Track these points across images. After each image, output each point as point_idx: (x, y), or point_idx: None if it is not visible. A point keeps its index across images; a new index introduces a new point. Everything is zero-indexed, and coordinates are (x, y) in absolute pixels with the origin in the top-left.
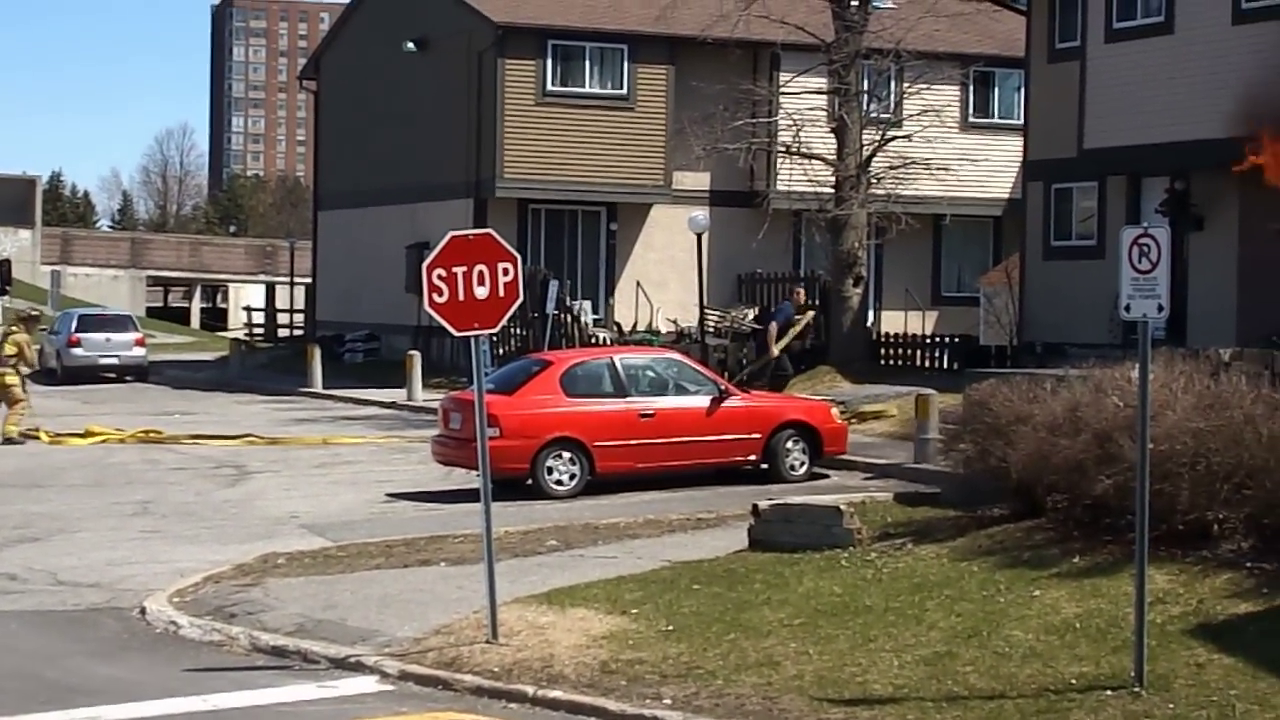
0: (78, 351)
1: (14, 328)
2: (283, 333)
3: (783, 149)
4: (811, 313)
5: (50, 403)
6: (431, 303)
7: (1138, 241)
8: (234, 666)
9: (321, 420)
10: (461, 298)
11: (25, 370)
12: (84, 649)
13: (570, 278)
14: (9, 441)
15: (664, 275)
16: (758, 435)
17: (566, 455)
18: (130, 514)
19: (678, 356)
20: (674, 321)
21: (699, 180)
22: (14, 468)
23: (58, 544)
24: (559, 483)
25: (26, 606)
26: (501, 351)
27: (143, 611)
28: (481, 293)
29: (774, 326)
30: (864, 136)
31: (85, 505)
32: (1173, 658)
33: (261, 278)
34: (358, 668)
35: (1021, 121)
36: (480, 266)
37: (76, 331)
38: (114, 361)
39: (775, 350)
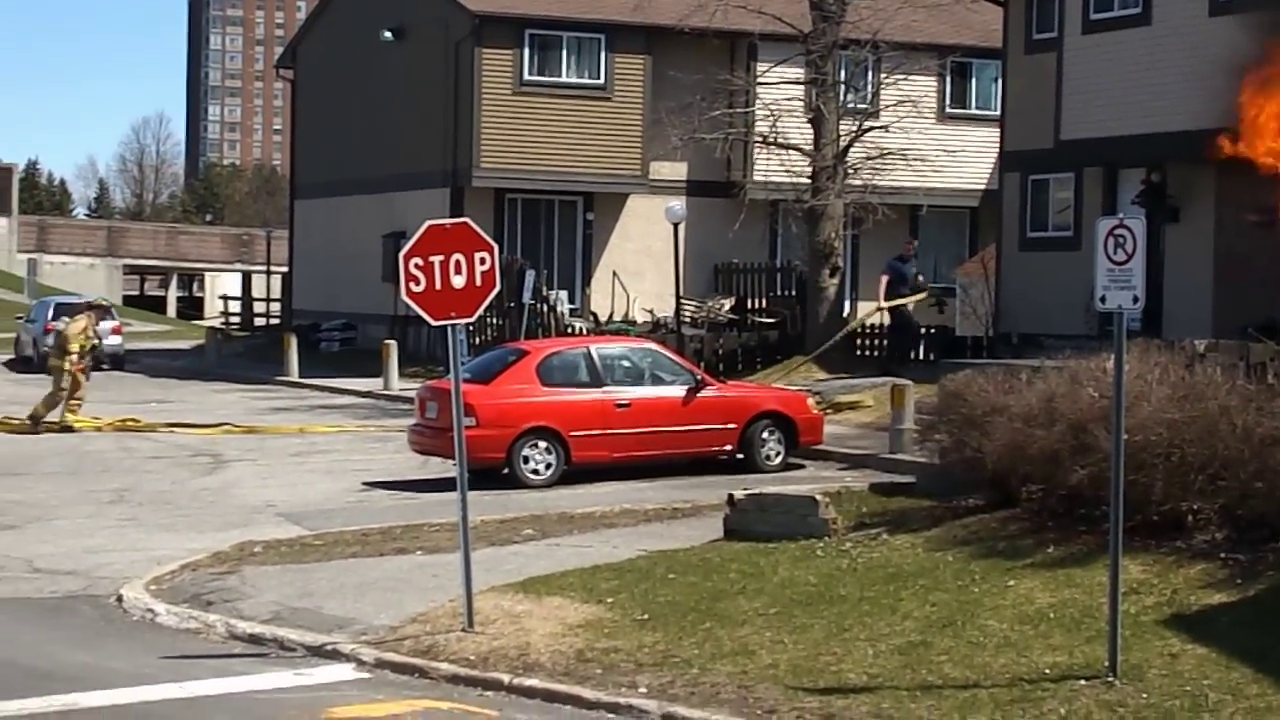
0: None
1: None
2: (259, 322)
3: (760, 139)
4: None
5: (28, 390)
6: (409, 291)
7: (1113, 232)
8: (211, 654)
9: (298, 409)
10: (438, 287)
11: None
12: (61, 636)
13: (547, 267)
14: (66, 429)
15: (640, 265)
16: (733, 425)
17: (542, 444)
18: (107, 502)
19: (654, 346)
20: (650, 311)
21: (676, 170)
22: None
23: (34, 532)
24: (535, 472)
25: (3, 594)
26: (478, 341)
27: (119, 599)
28: (458, 282)
29: (883, 280)
30: (841, 127)
31: (62, 493)
32: (1146, 648)
33: (238, 266)
34: (334, 655)
35: (998, 112)
36: (457, 255)
37: (53, 320)
38: None
39: (884, 305)
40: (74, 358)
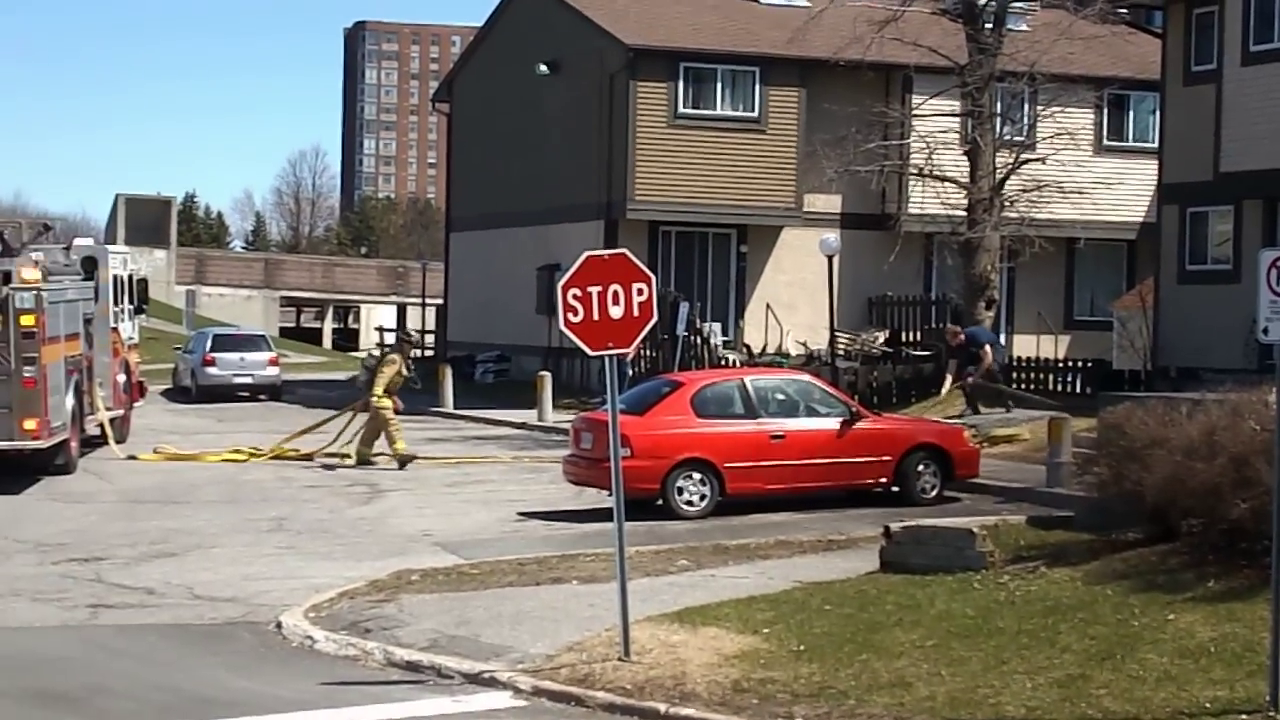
0: (212, 370)
1: (391, 352)
2: (414, 353)
3: (915, 171)
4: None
5: (187, 420)
6: (567, 322)
7: (1276, 264)
8: (369, 681)
9: (453, 440)
10: (596, 317)
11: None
12: (221, 662)
13: (700, 300)
14: (403, 464)
15: (794, 298)
16: (889, 458)
17: (697, 476)
18: (265, 530)
19: (808, 378)
20: (803, 344)
21: (830, 203)
22: (151, 484)
23: (194, 559)
24: (689, 503)
25: (164, 620)
26: (631, 373)
27: (279, 626)
28: (616, 312)
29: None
30: (997, 159)
31: (221, 521)
32: None
33: (393, 298)
34: (491, 683)
35: (1156, 144)
36: (615, 286)
37: (211, 351)
38: (248, 380)
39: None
40: (379, 397)
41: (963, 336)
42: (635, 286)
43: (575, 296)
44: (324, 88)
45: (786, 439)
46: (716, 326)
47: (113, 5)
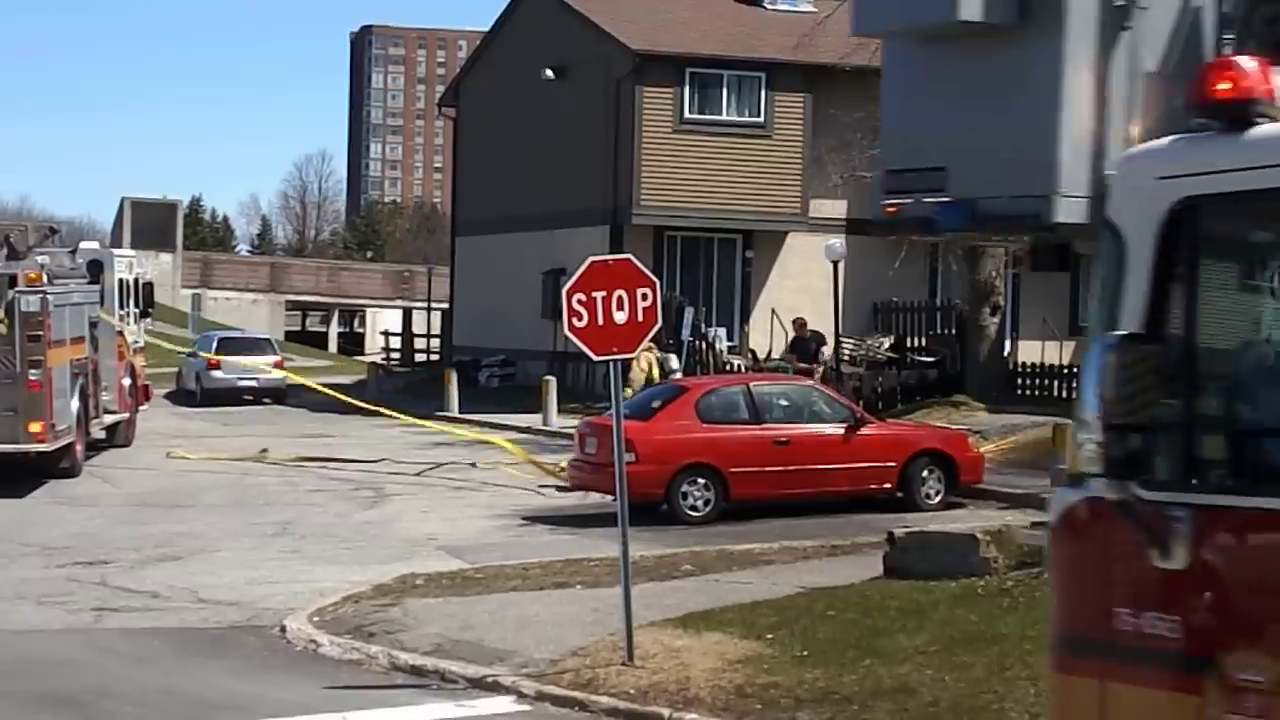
0: (217, 374)
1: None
2: (420, 357)
3: None
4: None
5: (194, 424)
6: (571, 327)
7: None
8: (373, 685)
9: (458, 444)
10: (601, 322)
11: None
12: (225, 666)
13: (705, 305)
14: None
15: (799, 303)
16: (893, 464)
17: (701, 481)
18: (270, 534)
19: (813, 384)
20: None
21: (836, 208)
22: (156, 487)
23: (199, 563)
24: (693, 508)
25: (169, 624)
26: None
27: (283, 630)
28: (620, 317)
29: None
30: None
31: (225, 525)
32: None
33: (398, 303)
34: (495, 688)
35: None
36: (619, 291)
37: (216, 354)
38: (253, 384)
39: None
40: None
41: (808, 331)
42: (640, 291)
43: (580, 301)
44: (330, 92)
45: (791, 444)
46: (721, 331)
47: (120, 9)
